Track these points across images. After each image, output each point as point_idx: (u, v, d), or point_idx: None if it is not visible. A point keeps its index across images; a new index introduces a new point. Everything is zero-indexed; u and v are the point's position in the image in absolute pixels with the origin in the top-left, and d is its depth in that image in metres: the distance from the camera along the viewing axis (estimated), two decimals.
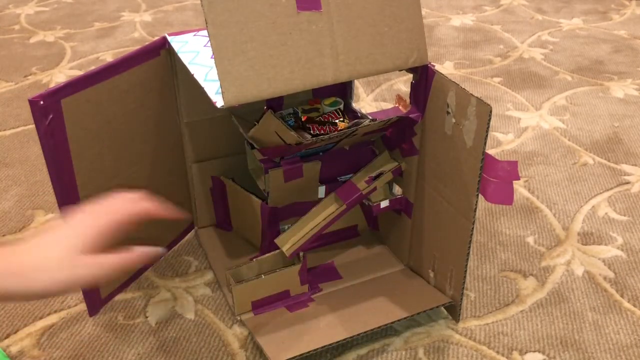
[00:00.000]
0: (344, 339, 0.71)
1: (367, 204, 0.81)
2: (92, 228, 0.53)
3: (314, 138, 0.71)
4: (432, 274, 0.80)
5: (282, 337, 0.73)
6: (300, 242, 0.77)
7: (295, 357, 0.69)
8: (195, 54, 0.72)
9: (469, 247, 0.70)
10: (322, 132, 0.80)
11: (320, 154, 0.80)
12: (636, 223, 0.97)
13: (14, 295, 0.50)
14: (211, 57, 0.61)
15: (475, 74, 1.46)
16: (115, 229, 0.54)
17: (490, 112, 0.61)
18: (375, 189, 0.79)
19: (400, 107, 0.83)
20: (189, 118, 0.84)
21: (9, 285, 0.49)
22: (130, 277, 0.85)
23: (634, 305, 0.82)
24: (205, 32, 0.76)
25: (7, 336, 0.77)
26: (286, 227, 0.81)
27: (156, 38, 0.77)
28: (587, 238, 0.94)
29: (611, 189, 1.05)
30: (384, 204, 0.81)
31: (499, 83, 1.42)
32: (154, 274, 0.87)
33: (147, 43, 0.76)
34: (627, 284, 0.85)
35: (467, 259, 0.71)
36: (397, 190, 0.84)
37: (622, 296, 0.83)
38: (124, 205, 0.56)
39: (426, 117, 0.72)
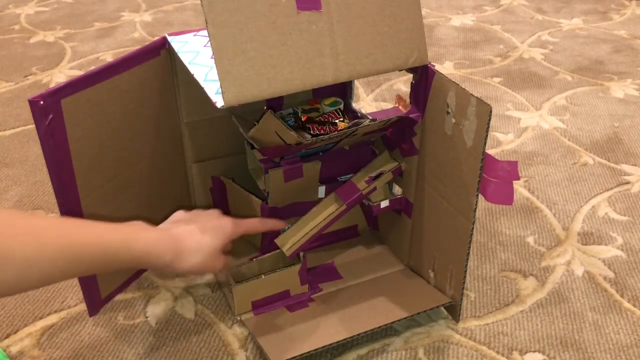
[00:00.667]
0: (344, 339, 0.71)
1: (367, 204, 0.81)
2: (230, 234, 0.69)
3: (314, 138, 0.71)
4: (432, 274, 0.80)
5: (282, 337, 0.73)
6: (301, 242, 0.77)
7: (295, 357, 0.69)
8: (195, 54, 0.72)
9: (469, 247, 0.70)
10: (322, 132, 0.80)
11: (320, 154, 0.80)
12: (636, 223, 0.97)
13: (160, 267, 0.62)
14: (211, 57, 0.61)
15: (475, 74, 1.46)
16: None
17: (490, 112, 0.61)
18: (375, 189, 0.79)
19: (400, 107, 0.83)
20: (189, 118, 0.84)
21: (164, 259, 0.61)
22: (130, 277, 0.85)
23: (634, 305, 0.82)
24: (205, 32, 0.76)
25: (7, 336, 0.77)
26: (286, 227, 0.81)
27: (156, 38, 0.77)
28: (587, 238, 0.94)
29: (611, 189, 1.05)
30: (384, 204, 0.81)
31: (499, 83, 1.42)
32: (154, 274, 0.87)
33: (147, 43, 0.76)
34: (627, 284, 0.85)
35: (467, 259, 0.71)
36: (397, 190, 0.84)
37: (622, 296, 0.83)
38: (248, 223, 0.74)
39: (426, 117, 0.72)
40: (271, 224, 0.78)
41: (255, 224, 0.76)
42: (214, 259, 0.67)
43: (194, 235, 0.65)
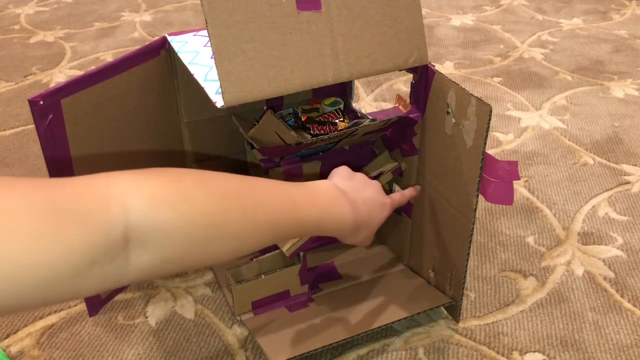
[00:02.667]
0: (344, 339, 0.71)
1: None
2: (389, 212, 0.69)
3: (314, 138, 0.71)
4: (432, 274, 0.80)
5: (282, 337, 0.73)
6: (300, 242, 0.77)
7: (295, 357, 0.68)
8: (195, 53, 0.72)
9: (469, 247, 0.70)
10: (322, 132, 0.80)
11: (320, 153, 0.80)
12: (636, 223, 0.97)
13: (337, 237, 0.62)
14: (211, 57, 0.61)
15: (475, 74, 1.46)
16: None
17: (491, 112, 0.61)
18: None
19: (400, 107, 0.83)
20: (189, 118, 0.84)
21: (345, 233, 0.61)
22: None
23: (634, 306, 0.82)
24: (205, 32, 0.76)
25: (7, 336, 0.77)
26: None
27: (156, 38, 0.77)
28: (587, 238, 0.94)
29: (611, 189, 1.05)
30: None
31: (499, 83, 1.42)
32: None
33: (147, 43, 0.76)
34: (627, 284, 0.85)
35: (468, 259, 0.71)
36: (397, 190, 0.84)
37: (622, 296, 0.83)
38: (395, 199, 0.71)
39: (426, 117, 0.72)
40: (408, 194, 0.75)
41: (400, 199, 0.73)
42: (371, 236, 0.68)
43: (368, 211, 0.64)
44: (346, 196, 0.61)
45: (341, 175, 0.65)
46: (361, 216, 0.63)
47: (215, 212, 0.43)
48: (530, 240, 0.93)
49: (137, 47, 0.81)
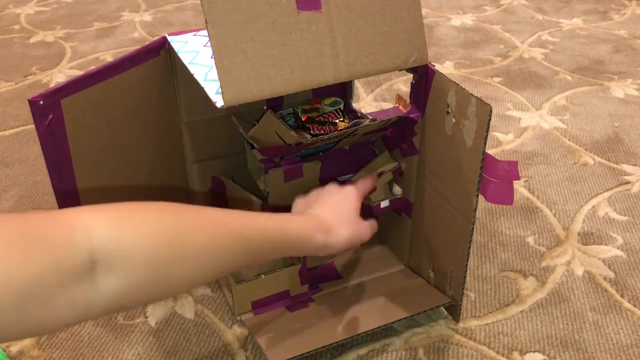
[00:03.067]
0: (344, 339, 0.71)
1: (367, 204, 0.81)
2: (359, 197, 0.69)
3: (314, 138, 0.71)
4: (432, 274, 0.80)
5: (282, 337, 0.73)
6: None
7: (295, 357, 0.68)
8: (195, 53, 0.72)
9: (470, 247, 0.70)
10: (322, 132, 0.80)
11: (320, 153, 0.80)
12: (636, 223, 0.97)
13: (315, 250, 0.62)
14: (211, 57, 0.61)
15: (475, 74, 1.46)
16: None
17: (491, 112, 0.61)
18: (375, 189, 0.79)
19: (400, 107, 0.83)
20: (189, 118, 0.84)
21: (318, 241, 0.61)
22: None
23: (634, 306, 0.82)
24: (205, 32, 0.76)
25: None
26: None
27: (156, 38, 0.77)
28: (587, 238, 0.94)
29: (611, 189, 1.05)
30: (384, 204, 0.81)
31: (499, 83, 1.42)
32: None
33: (147, 43, 0.76)
34: (627, 284, 0.85)
35: (468, 259, 0.71)
36: (397, 190, 0.84)
37: (622, 296, 0.83)
38: (362, 185, 0.72)
39: (426, 117, 0.72)
40: (371, 180, 0.76)
41: (367, 184, 0.74)
42: (360, 225, 0.67)
43: (331, 210, 0.64)
44: (301, 212, 0.65)
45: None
46: (329, 217, 0.63)
47: (174, 233, 0.45)
48: (530, 240, 0.93)
49: (137, 47, 0.81)
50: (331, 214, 0.64)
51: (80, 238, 0.39)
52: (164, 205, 0.47)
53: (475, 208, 0.67)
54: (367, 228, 0.68)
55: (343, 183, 0.79)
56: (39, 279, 0.36)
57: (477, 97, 0.62)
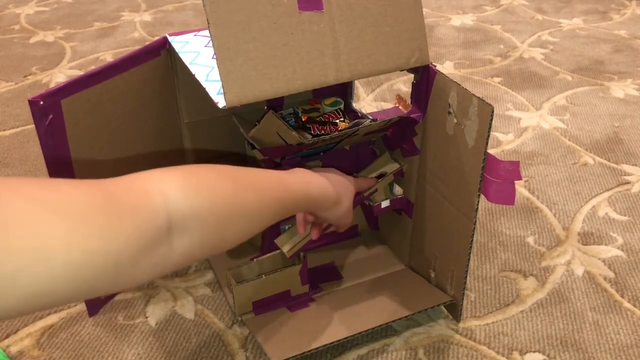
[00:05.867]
0: (344, 338, 0.71)
1: (368, 204, 0.81)
2: (355, 189, 0.72)
3: (315, 138, 0.71)
4: (433, 274, 0.80)
5: (282, 337, 0.73)
6: (301, 243, 0.77)
7: (295, 356, 0.68)
8: (196, 54, 0.72)
9: (471, 247, 0.70)
10: (323, 132, 0.80)
11: (321, 154, 0.80)
12: (636, 223, 0.97)
13: (326, 209, 0.66)
14: (212, 58, 0.61)
15: (476, 74, 1.46)
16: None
17: (493, 112, 0.61)
18: (376, 190, 0.79)
19: (401, 107, 0.83)
20: (189, 118, 0.84)
21: (332, 201, 0.66)
22: None
23: (634, 306, 0.82)
24: (206, 32, 0.76)
25: (7, 336, 0.77)
26: (286, 227, 0.81)
27: (156, 38, 0.77)
28: (587, 238, 0.94)
29: (611, 189, 1.05)
30: (385, 204, 0.81)
31: (499, 83, 1.42)
32: None
33: (147, 43, 0.76)
34: (627, 284, 0.85)
35: (469, 259, 0.71)
36: (398, 190, 0.84)
37: (622, 296, 0.83)
38: (358, 181, 0.75)
39: (427, 117, 0.72)
40: (370, 182, 0.79)
41: (362, 184, 0.77)
42: (351, 210, 0.71)
43: (341, 183, 0.69)
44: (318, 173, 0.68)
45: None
46: (338, 184, 0.67)
47: (231, 193, 0.49)
48: (530, 240, 0.93)
49: (137, 47, 0.81)
50: (341, 187, 0.69)
51: (159, 203, 0.41)
52: (220, 169, 0.50)
53: (477, 208, 0.67)
54: (350, 219, 0.73)
55: None
56: (129, 246, 0.38)
57: (478, 97, 0.62)
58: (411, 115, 0.73)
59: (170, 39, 0.76)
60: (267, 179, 0.56)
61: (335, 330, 0.73)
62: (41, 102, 0.62)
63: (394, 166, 0.80)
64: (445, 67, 1.49)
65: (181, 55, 0.72)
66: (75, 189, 0.37)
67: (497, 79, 1.43)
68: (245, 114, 0.81)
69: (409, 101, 0.75)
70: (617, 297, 0.83)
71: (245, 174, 0.53)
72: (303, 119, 0.82)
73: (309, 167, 0.74)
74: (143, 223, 0.39)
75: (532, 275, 0.87)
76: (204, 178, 0.47)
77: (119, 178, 0.42)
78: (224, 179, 0.50)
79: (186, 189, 0.44)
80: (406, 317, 0.74)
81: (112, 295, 0.82)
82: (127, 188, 0.41)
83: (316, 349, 0.70)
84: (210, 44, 0.59)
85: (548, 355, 0.75)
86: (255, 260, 0.78)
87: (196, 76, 0.67)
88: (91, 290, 0.37)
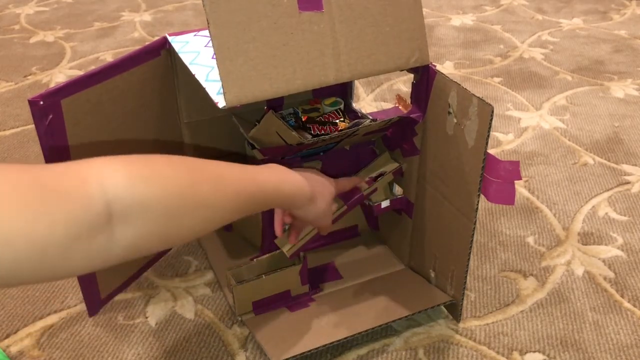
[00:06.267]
0: (344, 338, 0.71)
1: (367, 204, 0.81)
2: (334, 191, 0.71)
3: (315, 138, 0.71)
4: (433, 274, 0.80)
5: (282, 337, 0.73)
6: (301, 242, 0.77)
7: (295, 356, 0.68)
8: (196, 54, 0.72)
9: (471, 247, 0.70)
10: (323, 132, 0.80)
11: (321, 154, 0.80)
12: (636, 223, 0.97)
13: (298, 207, 0.64)
14: (212, 58, 0.61)
15: (476, 74, 1.46)
16: None
17: (492, 112, 0.61)
18: (376, 190, 0.79)
19: (401, 107, 0.83)
20: (189, 118, 0.84)
21: (304, 201, 0.64)
22: (130, 277, 0.85)
23: (634, 306, 0.82)
24: (206, 32, 0.76)
25: (7, 336, 0.77)
26: (286, 227, 0.81)
27: (156, 38, 0.77)
28: (587, 238, 0.94)
29: (611, 189, 1.05)
30: (385, 204, 0.81)
31: (499, 83, 1.42)
32: (154, 274, 0.87)
33: (147, 43, 0.76)
34: (627, 284, 0.85)
35: (469, 259, 0.71)
36: (398, 190, 0.84)
37: (622, 296, 0.83)
38: (340, 184, 0.73)
39: (427, 117, 0.72)
40: (353, 182, 0.78)
41: (345, 184, 0.76)
42: (330, 211, 0.70)
43: (319, 182, 0.68)
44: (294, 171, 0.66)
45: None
46: (315, 183, 0.66)
47: (186, 184, 0.46)
48: (530, 240, 0.93)
49: (137, 47, 0.81)
50: (319, 186, 0.67)
51: (95, 191, 0.39)
52: (173, 157, 0.48)
53: (477, 208, 0.67)
54: (330, 219, 0.72)
55: None
56: (56, 231, 0.36)
57: (478, 97, 0.62)
58: (411, 115, 0.73)
59: (170, 39, 0.76)
60: (231, 171, 0.53)
61: (335, 330, 0.73)
62: (41, 102, 0.62)
63: (394, 166, 0.80)
64: (445, 67, 1.49)
65: (181, 55, 0.72)
66: (7, 173, 0.36)
67: (497, 79, 1.43)
68: (245, 114, 0.81)
69: (409, 101, 0.75)
70: (617, 297, 0.83)
71: (207, 165, 0.51)
72: (303, 119, 0.82)
73: (309, 167, 0.74)
74: (73, 209, 0.37)
75: (532, 275, 0.87)
76: (155, 167, 0.45)
77: (58, 164, 0.40)
78: (179, 169, 0.47)
79: (130, 176, 0.42)
80: (406, 317, 0.74)
81: (112, 295, 0.82)
82: (60, 173, 0.39)
83: (316, 349, 0.70)
84: (210, 44, 0.59)
85: (548, 355, 0.75)
86: (255, 260, 0.78)
87: (196, 76, 0.67)
88: (15, 274, 0.36)
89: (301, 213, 0.66)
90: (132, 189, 0.41)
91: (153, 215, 0.42)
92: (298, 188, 0.63)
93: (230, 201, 0.51)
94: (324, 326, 0.74)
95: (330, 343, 0.70)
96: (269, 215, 0.82)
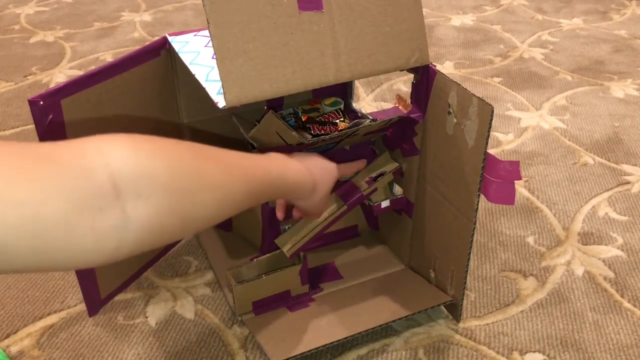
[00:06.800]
0: (344, 338, 0.71)
1: (367, 204, 0.81)
2: (336, 177, 0.69)
3: (315, 138, 0.71)
4: (433, 274, 0.80)
5: (282, 337, 0.73)
6: (301, 242, 0.77)
7: (295, 356, 0.68)
8: (196, 54, 0.72)
9: (471, 247, 0.70)
10: (323, 132, 0.80)
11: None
12: (636, 223, 0.97)
13: (300, 197, 0.64)
14: (212, 58, 0.61)
15: (476, 74, 1.46)
16: None
17: (492, 112, 0.61)
18: (376, 189, 0.79)
19: (401, 107, 0.83)
20: (189, 118, 0.84)
21: (308, 190, 0.63)
22: (130, 277, 0.85)
23: (634, 306, 0.82)
24: (205, 32, 0.76)
25: (7, 336, 0.77)
26: (286, 227, 0.81)
27: (156, 38, 0.77)
28: (587, 238, 0.94)
29: (611, 189, 1.05)
30: (385, 204, 0.81)
31: (499, 83, 1.42)
32: (154, 274, 0.87)
33: (147, 43, 0.76)
34: (627, 284, 0.85)
35: (469, 259, 0.71)
36: (398, 190, 0.84)
37: (622, 296, 0.83)
38: (341, 168, 0.72)
39: (427, 117, 0.72)
40: (355, 166, 0.78)
41: (347, 170, 0.75)
42: (327, 198, 0.69)
43: (320, 168, 0.67)
44: (295, 159, 0.64)
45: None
46: (316, 171, 0.65)
47: (191, 161, 0.44)
48: (530, 240, 0.93)
49: (137, 47, 0.81)
50: (319, 175, 0.66)
51: (96, 163, 0.36)
52: (178, 140, 0.45)
53: (477, 208, 0.67)
54: (323, 209, 0.71)
55: (343, 183, 0.79)
56: (52, 200, 0.34)
57: (478, 97, 0.62)
58: (411, 115, 0.73)
59: (170, 39, 0.76)
60: (236, 156, 0.51)
61: (335, 330, 0.73)
62: (41, 102, 0.62)
63: (394, 166, 0.80)
64: (445, 67, 1.49)
65: (181, 55, 0.72)
66: (10, 147, 0.34)
67: (497, 79, 1.43)
68: (245, 114, 0.81)
69: (409, 101, 0.75)
70: (617, 297, 0.83)
71: (211, 148, 0.48)
72: (303, 119, 0.82)
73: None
74: (72, 178, 0.35)
75: (532, 275, 0.87)
76: (158, 143, 0.42)
77: (57, 142, 0.37)
78: (183, 148, 0.44)
79: (133, 148, 0.39)
80: (406, 317, 0.74)
81: (112, 295, 0.82)
82: (59, 146, 0.37)
83: (316, 349, 0.70)
84: (210, 44, 0.59)
85: (548, 355, 0.75)
86: (255, 260, 0.78)
87: (196, 76, 0.67)
88: (8, 253, 0.33)
89: (302, 204, 0.66)
90: (136, 160, 0.38)
91: (163, 189, 0.39)
92: (301, 178, 0.62)
93: (240, 184, 0.49)
94: (324, 326, 0.74)
95: (330, 343, 0.70)
96: (269, 215, 0.82)
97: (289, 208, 0.75)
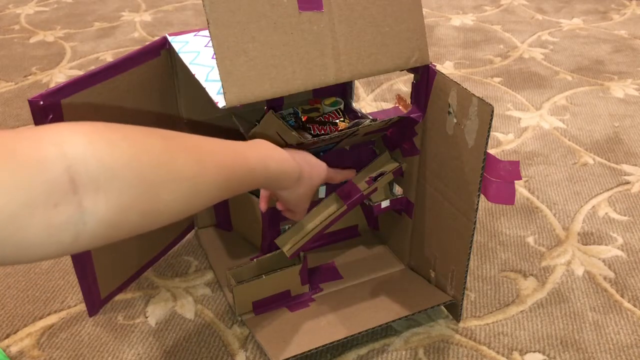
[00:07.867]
0: (344, 338, 0.71)
1: (367, 204, 0.81)
2: (325, 178, 0.69)
3: (315, 138, 0.71)
4: (433, 274, 0.80)
5: (282, 337, 0.73)
6: (301, 242, 0.77)
7: (295, 356, 0.68)
8: (196, 54, 0.72)
9: (471, 247, 0.70)
10: (323, 132, 0.80)
11: (321, 154, 0.80)
12: (636, 223, 0.97)
13: (284, 188, 0.63)
14: (212, 57, 0.61)
15: (476, 74, 1.46)
16: None
17: (492, 112, 0.61)
18: (376, 189, 0.79)
19: (401, 107, 0.83)
20: (189, 118, 0.84)
21: (291, 181, 0.62)
22: (130, 277, 0.85)
23: (634, 306, 0.82)
24: (205, 32, 0.76)
25: (7, 336, 0.77)
26: (286, 227, 0.81)
27: (156, 38, 0.77)
28: (587, 238, 0.94)
29: (611, 189, 1.05)
30: (385, 204, 0.81)
31: (499, 83, 1.42)
32: (154, 274, 0.87)
33: (147, 43, 0.76)
34: (627, 284, 0.85)
35: (469, 259, 0.71)
36: (398, 190, 0.84)
37: (622, 296, 0.83)
38: (331, 171, 0.71)
39: (427, 117, 0.72)
40: (345, 174, 0.76)
41: (336, 175, 0.74)
42: (311, 196, 0.68)
43: (308, 163, 0.65)
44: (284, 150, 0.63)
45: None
46: (303, 163, 0.64)
47: (159, 151, 0.42)
48: (530, 240, 0.93)
49: (137, 47, 0.81)
50: (307, 166, 0.65)
51: (51, 153, 0.35)
52: (150, 128, 0.43)
53: (477, 208, 0.67)
54: (306, 208, 0.71)
55: (343, 183, 0.79)
56: (1, 200, 0.32)
57: (478, 97, 0.62)
58: (411, 115, 0.73)
59: (170, 39, 0.76)
60: (211, 144, 0.49)
61: (335, 330, 0.73)
62: (41, 102, 0.62)
63: (394, 165, 0.80)
64: (445, 67, 1.49)
65: (181, 55, 0.72)
66: None
67: (497, 79, 1.43)
68: (245, 114, 0.81)
69: (409, 101, 0.75)
70: (617, 297, 0.83)
71: (182, 136, 0.46)
72: (303, 119, 0.82)
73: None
74: (23, 171, 0.33)
75: (532, 275, 0.87)
76: (123, 131, 0.40)
77: (23, 127, 0.37)
78: (151, 136, 0.42)
79: (92, 139, 0.37)
80: (406, 317, 0.75)
81: (112, 295, 0.82)
82: (14, 135, 0.35)
83: (316, 349, 0.70)
84: (210, 44, 0.59)
85: (548, 355, 0.75)
86: (255, 260, 0.78)
87: (196, 76, 0.67)
88: None
89: (285, 195, 0.64)
90: (94, 152, 0.36)
91: (124, 183, 0.38)
92: (285, 167, 0.60)
93: (212, 175, 0.47)
94: (324, 326, 0.74)
95: (330, 343, 0.70)
96: (269, 215, 0.82)
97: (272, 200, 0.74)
